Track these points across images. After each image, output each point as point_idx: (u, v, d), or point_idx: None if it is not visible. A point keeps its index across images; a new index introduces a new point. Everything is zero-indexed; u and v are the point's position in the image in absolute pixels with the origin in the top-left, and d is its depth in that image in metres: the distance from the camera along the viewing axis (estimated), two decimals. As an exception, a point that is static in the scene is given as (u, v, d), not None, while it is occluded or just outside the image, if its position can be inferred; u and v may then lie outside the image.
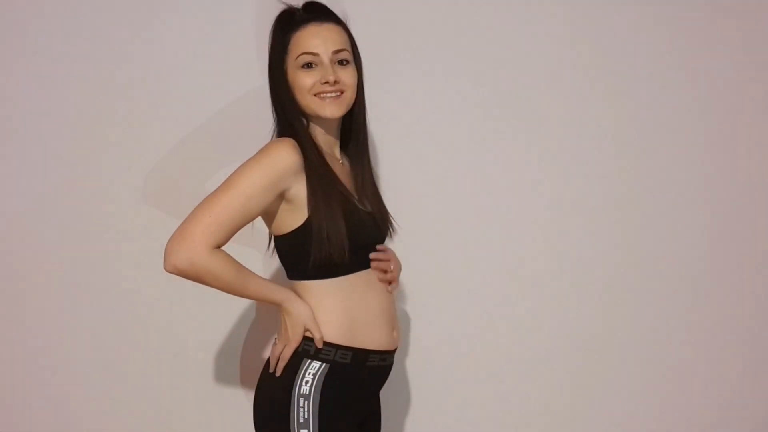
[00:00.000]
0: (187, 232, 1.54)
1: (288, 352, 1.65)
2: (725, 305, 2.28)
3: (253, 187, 1.57)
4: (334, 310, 1.66)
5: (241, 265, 1.61)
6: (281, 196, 1.61)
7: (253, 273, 1.64)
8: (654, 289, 2.27)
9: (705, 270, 2.27)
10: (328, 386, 1.63)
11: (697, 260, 2.27)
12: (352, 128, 1.78)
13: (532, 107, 2.21)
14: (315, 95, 1.66)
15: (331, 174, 1.66)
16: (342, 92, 1.68)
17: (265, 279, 1.67)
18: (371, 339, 1.69)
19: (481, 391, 2.26)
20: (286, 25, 1.69)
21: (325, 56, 1.66)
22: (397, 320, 1.78)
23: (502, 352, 2.25)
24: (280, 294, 1.66)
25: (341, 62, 1.68)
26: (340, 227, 1.61)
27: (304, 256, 1.63)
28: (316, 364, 1.64)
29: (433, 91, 2.19)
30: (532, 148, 2.22)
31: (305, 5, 1.72)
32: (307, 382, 1.63)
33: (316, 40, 1.66)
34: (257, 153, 1.62)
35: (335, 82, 1.65)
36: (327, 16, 1.70)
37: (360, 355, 1.67)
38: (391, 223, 1.82)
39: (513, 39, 2.19)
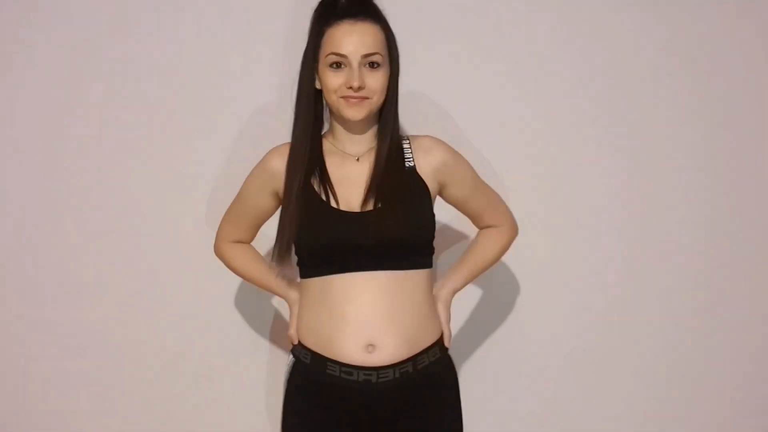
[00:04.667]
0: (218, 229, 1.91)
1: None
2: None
3: (248, 190, 1.81)
4: (306, 310, 1.74)
5: (258, 261, 1.88)
6: (276, 196, 1.77)
7: (269, 270, 1.84)
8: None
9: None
10: (291, 379, 1.75)
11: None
12: (379, 128, 1.73)
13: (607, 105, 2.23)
14: (340, 97, 1.65)
15: (310, 179, 1.69)
16: (366, 98, 1.65)
17: (277, 278, 1.83)
18: (331, 348, 1.67)
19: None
20: (323, 15, 1.67)
21: (354, 59, 1.63)
22: (393, 333, 1.67)
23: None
24: (284, 294, 1.84)
25: (372, 65, 1.65)
26: (291, 226, 1.67)
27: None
28: (291, 357, 1.78)
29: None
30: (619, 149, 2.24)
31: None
32: (287, 370, 1.77)
33: (346, 41, 1.63)
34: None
35: (359, 88, 1.63)
36: (365, 12, 1.65)
37: (318, 360, 1.69)
38: (402, 226, 1.67)
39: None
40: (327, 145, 1.74)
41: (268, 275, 1.85)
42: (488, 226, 1.86)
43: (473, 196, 1.80)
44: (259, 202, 1.79)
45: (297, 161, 1.68)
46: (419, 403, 1.70)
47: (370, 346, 1.64)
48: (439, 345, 1.74)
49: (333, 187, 1.69)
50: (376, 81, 1.65)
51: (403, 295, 1.67)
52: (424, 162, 1.74)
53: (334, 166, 1.72)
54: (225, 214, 1.87)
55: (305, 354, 1.71)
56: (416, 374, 1.68)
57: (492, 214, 1.84)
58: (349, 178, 1.70)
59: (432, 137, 1.78)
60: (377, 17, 1.67)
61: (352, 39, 1.62)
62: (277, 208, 1.78)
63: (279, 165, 1.72)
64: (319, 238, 1.66)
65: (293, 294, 1.80)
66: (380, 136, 1.72)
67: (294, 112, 1.70)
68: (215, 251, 1.90)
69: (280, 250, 1.69)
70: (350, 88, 1.62)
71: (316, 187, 1.69)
